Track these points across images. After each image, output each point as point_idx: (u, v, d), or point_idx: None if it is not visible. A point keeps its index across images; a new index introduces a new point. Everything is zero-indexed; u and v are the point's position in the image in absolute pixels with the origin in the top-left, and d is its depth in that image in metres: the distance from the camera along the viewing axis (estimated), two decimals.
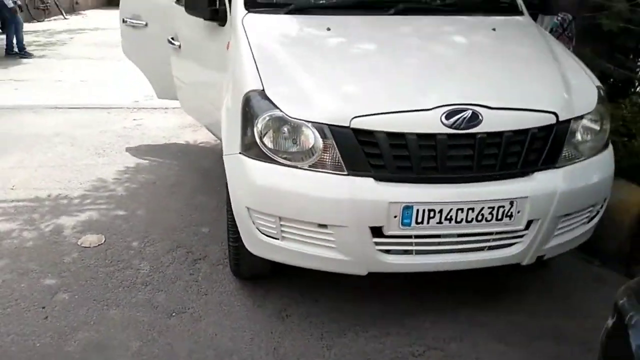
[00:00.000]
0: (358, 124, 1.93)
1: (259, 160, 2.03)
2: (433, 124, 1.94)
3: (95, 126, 5.08)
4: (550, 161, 2.08)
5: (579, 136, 2.16)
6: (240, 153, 2.09)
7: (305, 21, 2.56)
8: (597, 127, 2.22)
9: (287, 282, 2.57)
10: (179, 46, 3.58)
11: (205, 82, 3.22)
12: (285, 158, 2.01)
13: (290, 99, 2.04)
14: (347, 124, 1.93)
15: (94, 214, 3.26)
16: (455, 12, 2.78)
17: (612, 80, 3.45)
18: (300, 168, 2.00)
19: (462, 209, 1.98)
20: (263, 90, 2.06)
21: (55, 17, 16.42)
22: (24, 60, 8.82)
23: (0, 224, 3.11)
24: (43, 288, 2.54)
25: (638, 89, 3.85)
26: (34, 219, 3.17)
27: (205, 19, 2.87)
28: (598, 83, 2.34)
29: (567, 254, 2.45)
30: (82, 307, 2.42)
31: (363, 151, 1.95)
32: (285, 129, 2.00)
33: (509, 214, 2.03)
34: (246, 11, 2.61)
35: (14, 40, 9.08)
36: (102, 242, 2.94)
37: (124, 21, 4.24)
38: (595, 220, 2.35)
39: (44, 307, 2.41)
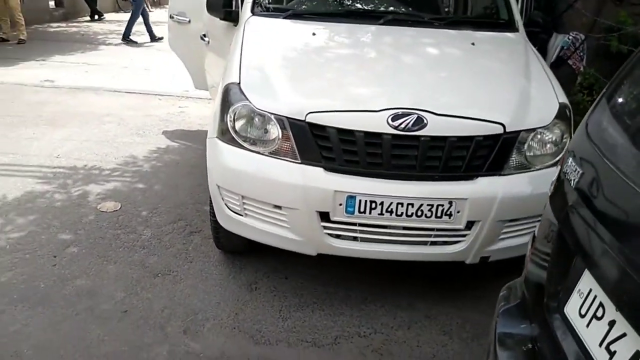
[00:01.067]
0: (312, 118, 2.18)
1: (229, 144, 2.33)
2: (380, 124, 2.15)
3: (144, 109, 5.62)
4: (495, 168, 2.22)
5: (530, 148, 2.27)
6: (216, 137, 2.40)
7: (298, 26, 2.83)
8: (552, 141, 2.32)
9: (264, 259, 2.85)
10: (208, 42, 3.96)
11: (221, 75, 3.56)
12: (250, 144, 2.30)
13: (259, 92, 2.32)
14: (302, 118, 2.18)
15: (118, 185, 3.71)
16: (446, 27, 2.93)
17: None
18: (262, 154, 2.27)
19: (402, 204, 2.17)
20: (239, 83, 2.36)
21: (166, 5, 17.57)
22: (102, 46, 9.70)
23: (39, 185, 3.63)
24: (59, 241, 2.99)
25: None
26: (67, 184, 3.67)
27: (220, 19, 3.22)
28: (563, 100, 2.42)
29: None
30: (86, 259, 2.84)
31: (316, 143, 2.19)
32: (252, 118, 2.29)
33: (448, 212, 2.19)
34: (251, 14, 2.93)
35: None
36: (118, 208, 3.37)
37: (171, 17, 4.69)
38: None
39: (55, 256, 2.84)
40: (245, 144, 2.30)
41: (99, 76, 7.14)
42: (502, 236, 2.31)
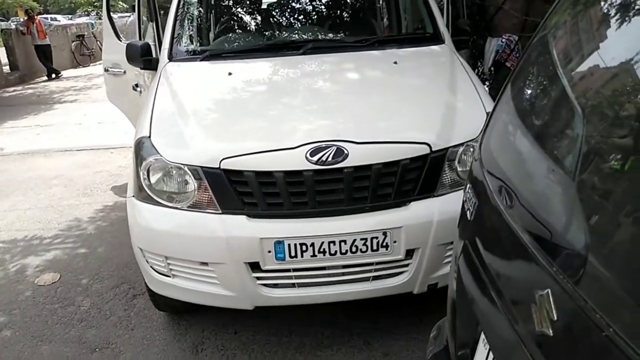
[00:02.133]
0: (227, 164, 2.03)
1: (146, 202, 2.17)
2: (299, 161, 2.01)
3: (94, 166, 5.44)
4: (428, 190, 2.09)
5: (461, 163, 2.15)
6: (133, 196, 2.23)
7: (214, 67, 2.71)
8: None
9: (212, 315, 2.66)
10: (140, 92, 3.83)
11: None
12: (168, 200, 2.14)
13: (170, 144, 2.18)
14: (217, 166, 2.04)
15: (58, 253, 3.50)
16: (368, 48, 2.83)
17: None
18: (180, 209, 2.11)
19: (333, 242, 2.02)
20: (149, 136, 2.21)
21: (100, 62, 17.60)
22: (57, 105, 9.54)
23: None
24: None
25: None
26: (4, 260, 3.45)
27: (141, 69, 3.09)
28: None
29: None
30: (19, 343, 2.62)
31: (235, 190, 2.04)
32: (168, 172, 2.13)
33: (384, 244, 2.05)
34: (167, 60, 2.80)
35: None
36: (57, 279, 3.16)
37: (106, 70, 4.57)
38: None
39: None
40: (162, 201, 2.14)
41: (51, 136, 6.96)
42: (446, 260, 2.17)
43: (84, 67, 15.93)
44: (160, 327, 2.67)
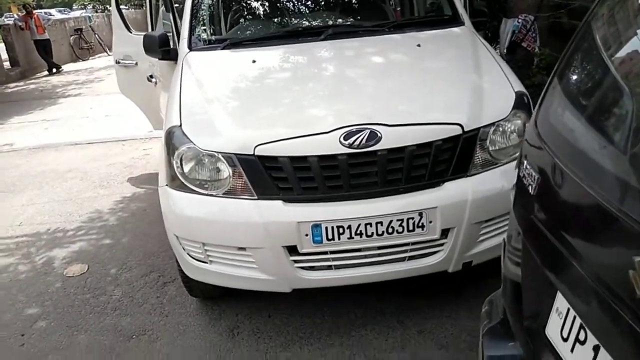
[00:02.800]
0: (262, 151, 2.06)
1: (180, 190, 2.20)
2: (332, 145, 2.03)
3: (107, 159, 5.46)
4: (461, 170, 2.12)
5: (493, 143, 2.18)
6: (166, 185, 2.26)
7: (237, 55, 2.72)
8: (514, 132, 2.22)
9: (245, 299, 2.70)
10: (156, 82, 3.84)
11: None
12: (202, 187, 2.16)
13: (202, 132, 2.20)
14: (251, 152, 2.06)
15: (84, 245, 3.54)
16: (389, 32, 2.83)
17: None
18: (216, 196, 2.14)
19: (370, 224, 2.05)
20: (181, 125, 2.23)
21: (99, 55, 17.55)
22: (61, 99, 9.53)
23: (1, 259, 3.44)
24: (26, 317, 2.81)
25: None
26: (30, 253, 3.49)
27: (159, 59, 3.10)
28: (520, 89, 2.34)
29: None
30: (55, 333, 2.66)
31: (270, 176, 2.07)
32: (200, 160, 2.16)
33: (420, 224, 2.08)
34: (188, 50, 2.81)
35: None
36: (85, 270, 3.20)
37: (117, 62, 4.57)
38: None
39: (23, 335, 2.67)
40: (197, 189, 2.17)
41: (59, 131, 6.97)
42: (480, 238, 2.20)
43: (83, 60, 15.89)
44: (195, 312, 2.71)
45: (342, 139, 2.03)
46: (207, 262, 2.24)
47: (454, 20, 2.93)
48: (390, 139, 2.04)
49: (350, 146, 2.03)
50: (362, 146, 2.03)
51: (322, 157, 2.04)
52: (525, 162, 1.22)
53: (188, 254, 2.27)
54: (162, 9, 4.29)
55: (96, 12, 20.16)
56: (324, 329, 2.51)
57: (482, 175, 2.14)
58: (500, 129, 2.20)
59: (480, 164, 2.16)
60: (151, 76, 3.90)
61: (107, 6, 20.84)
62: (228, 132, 2.15)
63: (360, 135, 2.03)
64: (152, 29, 4.00)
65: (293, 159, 2.04)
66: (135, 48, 4.40)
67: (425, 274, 2.23)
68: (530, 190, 1.15)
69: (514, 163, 2.22)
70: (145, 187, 4.51)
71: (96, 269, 3.21)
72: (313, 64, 2.59)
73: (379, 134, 2.04)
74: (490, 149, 2.17)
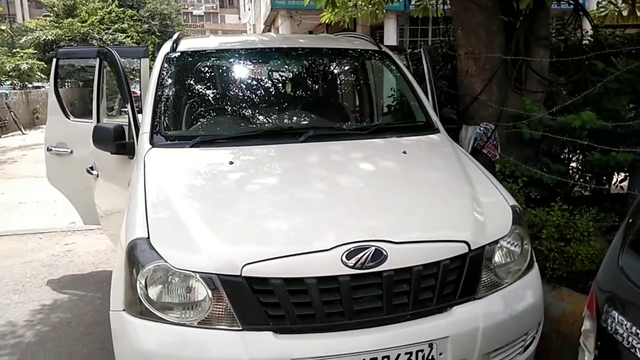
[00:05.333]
0: (250, 271, 1.75)
1: (142, 318, 1.80)
2: (333, 265, 1.77)
3: (21, 255, 4.76)
4: (469, 292, 1.92)
5: (497, 261, 2.02)
6: (123, 310, 1.85)
7: (209, 155, 2.45)
8: (516, 249, 2.10)
9: None
10: (97, 175, 3.43)
11: (118, 212, 3.03)
12: (172, 315, 1.78)
13: (176, 247, 1.85)
14: (238, 273, 1.74)
15: None
16: (369, 136, 2.72)
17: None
18: (189, 326, 1.77)
19: (375, 359, 1.76)
20: (148, 238, 1.88)
21: (13, 133, 16.44)
22: None
23: None
24: None
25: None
26: None
27: (112, 153, 2.76)
28: (513, 202, 2.26)
29: None
30: None
31: (259, 301, 1.75)
32: (171, 281, 1.80)
33: (430, 357, 1.82)
34: (150, 146, 2.51)
35: None
36: None
37: (49, 149, 4.10)
38: (532, 348, 2.15)
39: None
40: (165, 317, 1.78)
41: None
42: None
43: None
44: None
45: (344, 257, 1.78)
46: None
47: (429, 127, 2.89)
48: (396, 258, 1.82)
49: (353, 266, 1.78)
50: (367, 266, 1.79)
51: (321, 279, 1.76)
52: (615, 313, 1.03)
53: None
54: (105, 93, 3.99)
55: (14, 88, 19.14)
56: None
57: (490, 298, 1.96)
58: (504, 245, 2.06)
59: (487, 286, 1.98)
60: (92, 168, 3.48)
61: (27, 83, 19.97)
62: (209, 247, 1.82)
63: (364, 254, 1.79)
64: (98, 119, 3.64)
65: (288, 280, 1.75)
66: (72, 134, 4.02)
67: None
68: (638, 354, 0.94)
69: (519, 282, 2.09)
70: (70, 292, 3.90)
71: None
72: (299, 168, 2.36)
73: (385, 252, 1.81)
74: (495, 268, 2.01)
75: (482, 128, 3.55)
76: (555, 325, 2.76)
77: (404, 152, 2.51)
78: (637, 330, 0.97)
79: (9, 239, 5.27)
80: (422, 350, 1.80)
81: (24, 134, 16.69)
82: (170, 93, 2.89)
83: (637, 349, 0.96)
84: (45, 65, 18.70)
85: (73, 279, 4.19)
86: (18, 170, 9.64)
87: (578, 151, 3.89)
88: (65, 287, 4.01)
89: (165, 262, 1.80)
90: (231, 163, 2.31)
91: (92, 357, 2.98)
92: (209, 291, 1.76)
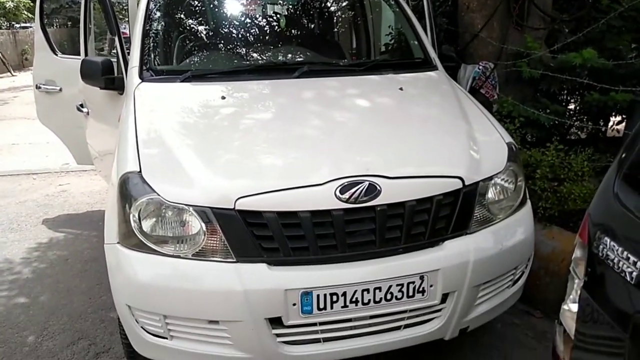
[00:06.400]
0: (244, 205, 1.74)
1: (136, 250, 1.80)
2: (327, 199, 1.77)
3: (16, 195, 4.76)
4: (461, 227, 1.93)
5: (490, 197, 2.02)
6: (117, 243, 1.85)
7: (201, 89, 2.39)
8: (510, 185, 2.10)
9: None
10: (87, 113, 3.37)
11: (111, 153, 2.99)
12: (166, 248, 1.79)
13: (169, 180, 1.84)
14: (231, 206, 1.74)
15: None
16: (365, 72, 2.65)
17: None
18: (183, 257, 1.78)
19: (367, 290, 1.79)
20: (140, 172, 1.85)
21: (2, 75, 16.08)
22: None
23: None
24: None
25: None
26: None
27: (101, 89, 2.69)
28: (509, 139, 2.23)
29: None
30: None
31: (252, 234, 1.75)
32: (164, 215, 1.79)
33: (421, 289, 1.85)
34: (140, 80, 2.44)
35: None
36: None
37: (37, 87, 4.01)
38: (521, 282, 2.20)
39: None
40: (159, 249, 1.79)
41: None
42: (478, 302, 2.02)
43: None
44: None
45: (338, 192, 1.77)
46: (166, 338, 1.84)
47: (427, 64, 2.82)
48: (390, 193, 1.81)
49: (347, 201, 1.77)
50: (360, 201, 1.78)
51: (314, 213, 1.76)
52: (607, 239, 1.03)
53: (142, 327, 1.86)
54: (93, 31, 3.85)
55: (0, 28, 18.52)
56: None
57: (482, 233, 1.98)
58: (498, 182, 2.05)
59: (479, 221, 1.99)
60: (82, 105, 3.41)
61: (14, 23, 19.31)
62: (202, 181, 1.80)
63: (358, 188, 1.78)
64: (86, 54, 3.53)
65: (281, 214, 1.75)
66: (61, 72, 3.91)
67: (421, 342, 1.99)
68: (628, 278, 0.95)
69: (511, 219, 2.10)
70: (66, 230, 3.93)
71: (9, 337, 2.64)
72: (293, 104, 2.31)
73: (378, 187, 1.80)
74: (488, 204, 2.02)
75: (481, 67, 3.47)
76: (545, 262, 2.82)
77: (401, 89, 2.46)
78: (629, 255, 0.97)
79: (2, 180, 5.26)
80: (413, 282, 1.83)
81: (13, 75, 16.32)
82: (160, 27, 2.79)
83: (626, 273, 0.97)
84: (32, 4, 18.02)
85: (68, 218, 4.21)
86: (8, 112, 9.51)
87: (577, 92, 3.83)
88: (60, 226, 4.03)
89: (158, 195, 1.79)
90: (223, 98, 2.26)
91: (91, 291, 3.03)
92: (203, 224, 1.76)
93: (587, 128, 3.69)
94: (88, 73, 2.68)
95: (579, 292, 1.16)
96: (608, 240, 1.04)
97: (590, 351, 1.14)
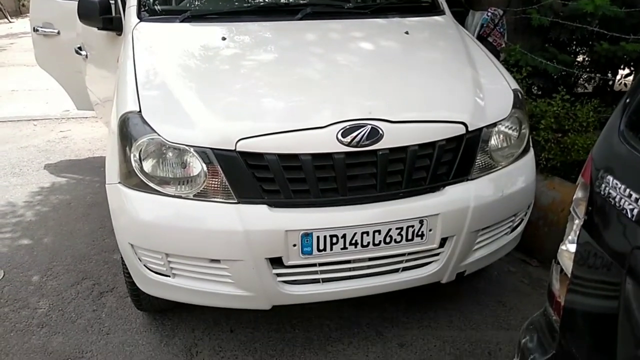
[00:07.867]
0: (245, 146, 1.73)
1: (138, 190, 1.81)
2: (328, 142, 1.75)
3: (17, 141, 4.75)
4: (462, 173, 1.93)
5: (493, 144, 2.01)
6: (119, 183, 1.86)
7: (201, 30, 2.33)
8: (514, 132, 2.08)
9: (201, 311, 2.36)
10: (86, 55, 3.31)
11: (111, 100, 2.96)
12: (167, 188, 1.80)
13: (169, 121, 1.82)
14: (232, 147, 1.73)
15: None
16: (370, 15, 2.58)
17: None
18: (185, 198, 1.79)
19: (367, 232, 1.81)
20: (140, 111, 1.84)
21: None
22: None
23: None
24: None
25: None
26: None
27: (98, 29, 2.63)
28: (515, 86, 2.20)
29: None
30: None
31: (253, 176, 1.75)
32: (165, 155, 1.79)
33: (420, 233, 1.87)
34: (138, 20, 2.38)
35: None
36: (0, 278, 2.67)
37: (35, 30, 3.92)
38: (519, 229, 2.22)
39: None
40: (160, 189, 1.79)
41: None
42: (476, 247, 2.04)
43: None
44: (142, 329, 2.33)
45: (339, 135, 1.76)
46: (169, 276, 1.88)
47: (434, 8, 2.74)
48: (392, 137, 1.80)
49: (349, 144, 1.76)
50: (362, 144, 1.77)
51: (316, 156, 1.76)
52: (610, 178, 1.03)
53: (145, 265, 1.89)
54: None
55: None
56: (296, 344, 2.24)
57: (483, 180, 1.97)
58: (502, 129, 2.04)
59: (481, 167, 1.99)
60: (80, 48, 3.35)
61: None
62: (203, 121, 1.79)
63: (360, 132, 1.77)
64: None
65: (282, 156, 1.74)
66: (58, 14, 3.82)
67: (418, 285, 2.03)
68: (629, 215, 0.95)
69: (513, 166, 2.10)
70: (68, 176, 3.94)
71: (14, 276, 2.69)
72: (295, 46, 2.26)
73: (381, 131, 1.79)
74: (491, 150, 2.01)
75: (489, 14, 3.38)
76: (544, 212, 2.83)
77: (406, 33, 2.40)
78: (631, 192, 0.97)
79: (3, 125, 5.24)
80: (412, 226, 1.85)
81: (10, 22, 15.94)
82: None
83: (627, 210, 0.97)
84: None
85: (70, 163, 4.22)
86: (7, 59, 9.36)
87: (587, 43, 3.74)
88: (62, 171, 4.05)
89: (159, 135, 1.78)
90: (224, 39, 2.21)
91: (94, 234, 3.08)
92: (204, 165, 1.76)
93: (595, 80, 3.62)
94: (85, 13, 2.61)
95: (578, 232, 1.17)
96: (611, 178, 1.04)
97: (585, 294, 1.16)
